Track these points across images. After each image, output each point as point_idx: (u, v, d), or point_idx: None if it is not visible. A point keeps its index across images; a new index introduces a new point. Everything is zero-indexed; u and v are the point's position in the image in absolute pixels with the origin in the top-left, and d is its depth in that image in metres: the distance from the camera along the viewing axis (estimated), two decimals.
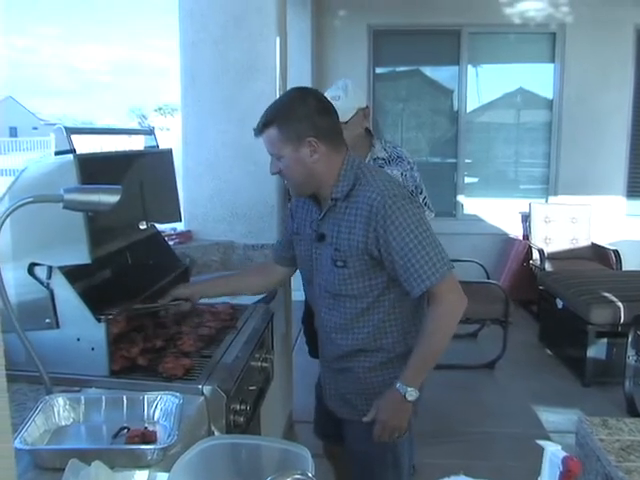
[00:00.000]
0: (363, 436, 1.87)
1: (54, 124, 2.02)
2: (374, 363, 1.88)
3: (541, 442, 0.95)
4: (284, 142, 1.75)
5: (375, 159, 2.82)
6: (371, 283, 1.80)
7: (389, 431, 1.81)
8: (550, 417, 3.76)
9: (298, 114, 1.74)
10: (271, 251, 2.34)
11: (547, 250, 5.59)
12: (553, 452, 0.92)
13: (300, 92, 1.85)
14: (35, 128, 47.38)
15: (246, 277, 2.33)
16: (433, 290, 1.71)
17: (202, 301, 2.16)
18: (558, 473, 0.91)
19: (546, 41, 6.18)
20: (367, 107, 2.86)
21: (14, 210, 1.43)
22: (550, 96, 6.26)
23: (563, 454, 0.90)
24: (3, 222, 1.42)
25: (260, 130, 1.78)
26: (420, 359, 1.76)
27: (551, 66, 6.19)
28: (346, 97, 2.72)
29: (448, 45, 6.29)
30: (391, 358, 1.87)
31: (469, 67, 6.27)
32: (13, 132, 43.22)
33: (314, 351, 3.40)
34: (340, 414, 2.01)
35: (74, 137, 1.66)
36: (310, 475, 0.74)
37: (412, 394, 1.74)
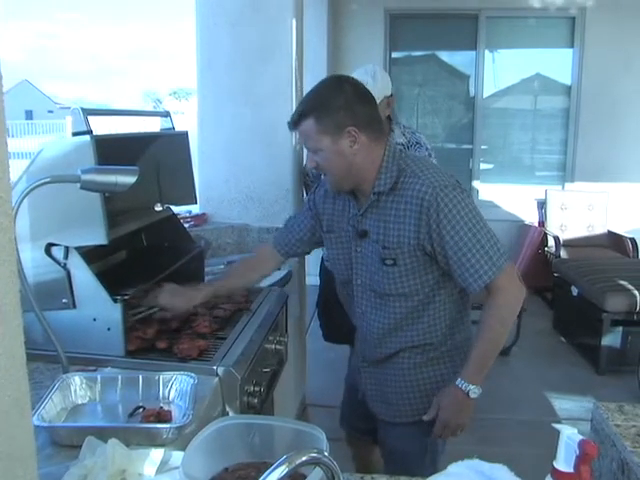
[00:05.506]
0: (402, 437, 1.85)
1: (69, 108, 2.03)
2: (422, 359, 1.81)
3: (557, 425, 0.94)
4: (322, 134, 1.64)
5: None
6: (422, 280, 1.72)
7: (452, 430, 1.75)
8: (563, 404, 3.74)
9: (336, 103, 1.62)
10: (275, 236, 2.08)
11: (563, 237, 5.55)
12: (569, 435, 0.91)
13: (336, 80, 1.74)
14: (50, 111, 47.72)
15: (244, 273, 2.09)
16: (491, 284, 1.64)
17: None
18: (574, 457, 0.90)
19: (565, 25, 6.08)
20: (392, 95, 2.82)
21: (31, 190, 1.44)
22: (568, 82, 6.17)
23: (580, 437, 0.90)
24: (21, 202, 1.43)
25: (295, 123, 1.68)
26: (481, 354, 1.69)
27: (570, 51, 6.09)
28: (374, 84, 2.63)
29: (465, 29, 6.21)
30: (440, 353, 1.80)
31: (486, 52, 6.20)
32: (29, 115, 43.47)
33: (328, 335, 3.41)
34: (380, 415, 1.93)
35: (91, 119, 1.66)
36: (326, 454, 0.74)
37: (475, 392, 1.67)
